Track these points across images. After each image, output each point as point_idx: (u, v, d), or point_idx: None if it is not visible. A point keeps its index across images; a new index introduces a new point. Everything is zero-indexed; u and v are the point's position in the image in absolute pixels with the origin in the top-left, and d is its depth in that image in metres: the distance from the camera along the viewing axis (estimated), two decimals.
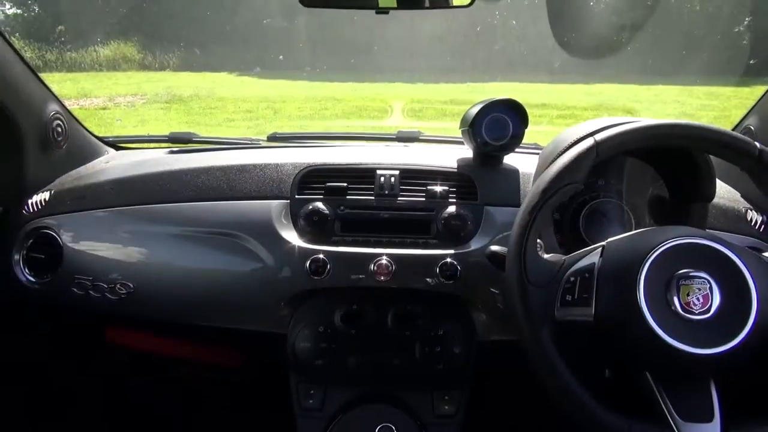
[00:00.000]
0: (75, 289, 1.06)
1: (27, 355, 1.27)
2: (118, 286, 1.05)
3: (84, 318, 1.19)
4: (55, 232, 1.10)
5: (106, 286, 1.05)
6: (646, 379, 0.76)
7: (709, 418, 0.73)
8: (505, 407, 1.17)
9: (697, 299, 0.74)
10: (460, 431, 0.97)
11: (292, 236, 1.01)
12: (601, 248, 0.80)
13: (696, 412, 0.74)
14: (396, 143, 1.38)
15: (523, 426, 1.54)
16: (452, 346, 0.98)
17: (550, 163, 0.83)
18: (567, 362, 0.77)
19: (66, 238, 1.09)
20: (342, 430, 0.95)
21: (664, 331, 0.73)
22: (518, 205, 0.84)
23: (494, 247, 0.91)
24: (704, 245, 0.75)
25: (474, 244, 1.00)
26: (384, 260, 0.98)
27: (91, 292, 1.06)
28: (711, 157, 0.96)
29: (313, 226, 1.01)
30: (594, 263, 0.79)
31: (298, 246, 1.00)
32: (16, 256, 1.11)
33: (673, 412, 0.74)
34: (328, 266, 0.98)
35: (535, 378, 0.81)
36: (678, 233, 0.77)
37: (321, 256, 0.99)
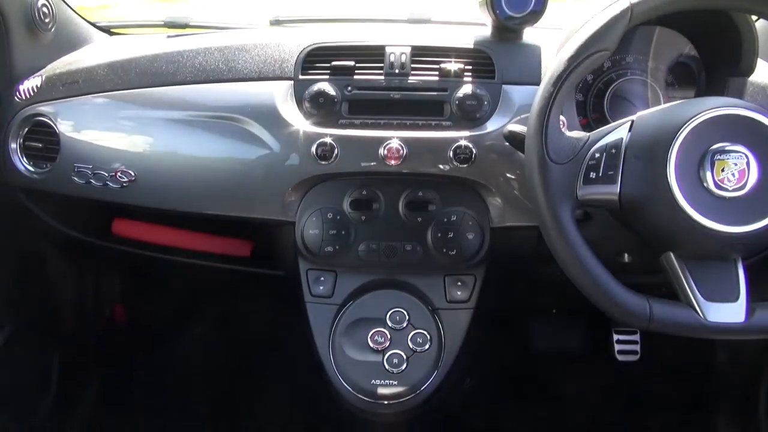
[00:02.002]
0: (76, 178, 1.04)
1: (33, 249, 1.27)
2: (119, 174, 1.02)
3: (89, 209, 1.17)
4: (51, 120, 1.06)
5: (107, 174, 1.02)
6: (670, 260, 0.73)
7: (734, 298, 0.71)
8: (518, 293, 1.16)
9: (732, 175, 0.69)
10: (472, 316, 0.96)
11: (297, 119, 0.96)
12: (629, 122, 0.74)
13: (721, 292, 0.71)
14: (406, 24, 1.29)
15: (536, 311, 1.56)
16: (465, 232, 0.95)
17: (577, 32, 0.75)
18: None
19: (62, 125, 1.05)
20: (353, 315, 0.94)
21: (694, 209, 0.68)
22: (539, 84, 0.77)
23: (513, 126, 0.86)
24: (744, 116, 0.69)
25: (490, 126, 0.94)
26: (394, 143, 0.93)
27: (92, 181, 1.03)
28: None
29: (319, 109, 0.95)
30: (622, 138, 0.73)
31: (304, 129, 0.95)
32: (13, 145, 1.07)
33: (697, 292, 0.71)
34: (336, 150, 0.94)
35: (553, 258, 0.79)
36: (714, 104, 0.71)
37: (328, 139, 0.94)
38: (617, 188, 0.72)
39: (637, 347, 1.42)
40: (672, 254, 0.73)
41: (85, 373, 1.38)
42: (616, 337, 1.43)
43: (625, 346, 1.42)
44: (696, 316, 0.70)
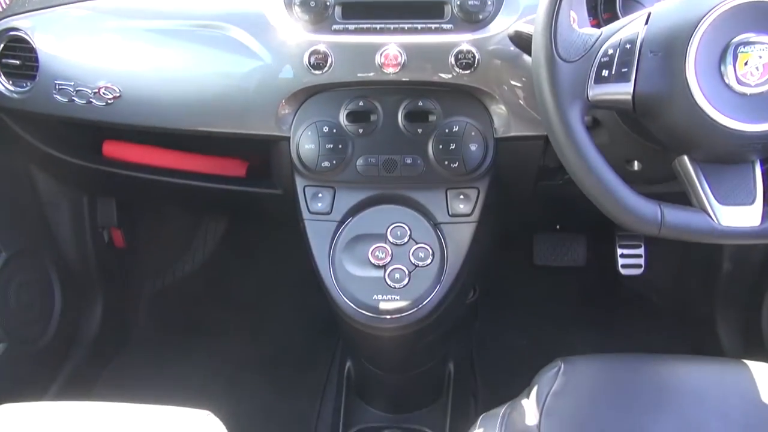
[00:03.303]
0: (58, 97, 0.99)
1: (22, 172, 1.24)
2: (102, 90, 0.97)
3: (77, 131, 1.13)
4: (27, 35, 1.00)
5: (90, 91, 0.97)
6: (684, 163, 0.70)
7: (749, 201, 0.68)
8: (522, 207, 1.13)
9: (756, 69, 0.64)
10: (475, 230, 0.93)
11: (286, 25, 0.90)
12: (646, 15, 0.69)
13: (736, 196, 0.68)
14: None
15: (540, 226, 1.54)
16: (468, 143, 0.91)
17: None
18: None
19: (39, 40, 0.99)
20: (352, 231, 0.92)
21: (712, 106, 0.64)
22: None
23: (519, 26, 0.80)
24: None
25: (494, 28, 0.88)
26: (392, 49, 0.87)
27: (75, 99, 0.98)
28: None
29: (310, 13, 0.89)
30: (637, 32, 0.68)
31: (295, 36, 0.89)
32: None
33: (711, 195, 0.68)
34: (330, 59, 0.88)
35: (558, 170, 0.75)
36: None
37: (321, 47, 0.88)
38: (631, 87, 0.67)
39: (641, 260, 1.41)
40: (686, 157, 0.70)
41: (88, 297, 1.39)
42: (620, 251, 1.42)
43: (628, 260, 1.42)
44: (709, 220, 0.67)
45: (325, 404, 1.34)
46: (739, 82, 0.64)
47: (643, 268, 1.41)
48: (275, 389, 1.41)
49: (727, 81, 0.65)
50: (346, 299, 0.90)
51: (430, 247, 0.90)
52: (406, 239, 0.90)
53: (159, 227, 1.58)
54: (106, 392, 1.37)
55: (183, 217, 1.63)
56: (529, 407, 0.79)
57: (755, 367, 0.81)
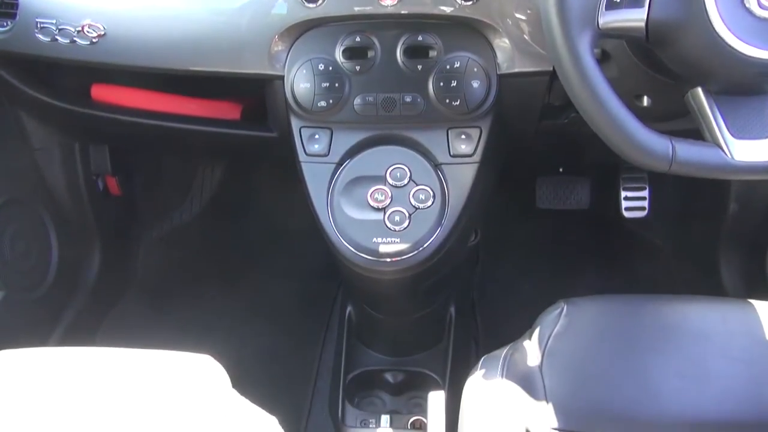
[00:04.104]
0: (40, 36, 0.95)
1: (9, 118, 1.20)
2: (86, 29, 0.92)
3: (65, 73, 1.09)
4: None
5: (73, 30, 0.93)
6: (697, 96, 0.67)
7: (764, 135, 0.65)
8: (525, 149, 1.10)
9: None
10: (477, 171, 0.90)
11: None
12: None
13: (751, 130, 0.65)
14: None
15: (543, 169, 1.52)
16: (470, 79, 0.87)
17: None
18: None
19: None
20: (351, 173, 0.89)
21: (731, 32, 0.61)
22: None
23: None
24: None
25: None
26: None
27: (58, 38, 0.94)
28: None
29: None
30: None
31: None
32: None
33: (725, 129, 0.65)
34: None
35: (563, 109, 0.72)
36: None
37: None
38: (644, 12, 0.63)
39: (645, 203, 1.39)
40: (700, 89, 0.66)
41: (86, 245, 1.38)
42: (624, 193, 1.40)
43: (632, 203, 1.40)
44: (722, 154, 0.65)
45: (326, 348, 1.34)
46: (760, 5, 0.61)
47: (647, 211, 1.39)
48: (276, 334, 1.42)
49: (747, 5, 0.61)
50: (345, 243, 0.88)
51: (431, 189, 0.88)
52: (406, 181, 0.88)
53: (155, 175, 1.55)
54: (107, 339, 1.38)
55: (179, 164, 1.60)
56: (531, 348, 0.78)
57: (759, 306, 0.80)
